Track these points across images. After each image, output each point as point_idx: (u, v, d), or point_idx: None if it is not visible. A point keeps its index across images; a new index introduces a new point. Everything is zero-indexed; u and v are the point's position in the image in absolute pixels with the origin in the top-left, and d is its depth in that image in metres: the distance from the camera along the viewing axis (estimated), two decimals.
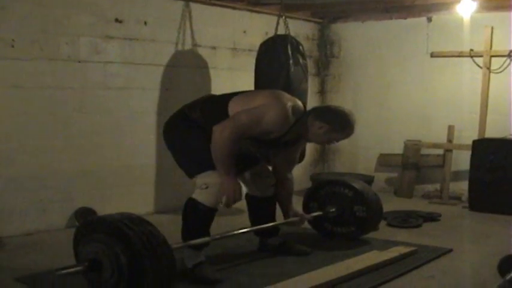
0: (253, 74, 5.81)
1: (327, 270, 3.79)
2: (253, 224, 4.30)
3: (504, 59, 6.44)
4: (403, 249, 4.31)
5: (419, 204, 6.48)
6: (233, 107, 3.78)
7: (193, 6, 6.04)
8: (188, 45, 6.08)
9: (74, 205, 5.18)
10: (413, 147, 7.03)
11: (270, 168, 4.33)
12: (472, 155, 6.23)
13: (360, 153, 7.58)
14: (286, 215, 4.39)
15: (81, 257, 3.21)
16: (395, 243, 4.56)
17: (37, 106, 4.95)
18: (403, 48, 7.19)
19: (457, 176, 6.78)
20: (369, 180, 6.67)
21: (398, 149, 7.15)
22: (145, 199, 5.78)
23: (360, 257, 4.13)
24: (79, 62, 5.19)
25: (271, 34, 6.08)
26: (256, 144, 3.96)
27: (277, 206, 4.38)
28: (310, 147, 6.84)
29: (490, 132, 6.44)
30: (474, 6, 6.41)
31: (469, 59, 6.63)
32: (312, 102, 6.72)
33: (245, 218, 4.48)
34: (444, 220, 5.65)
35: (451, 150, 6.74)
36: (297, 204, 4.50)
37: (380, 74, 7.39)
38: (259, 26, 6.71)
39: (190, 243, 3.63)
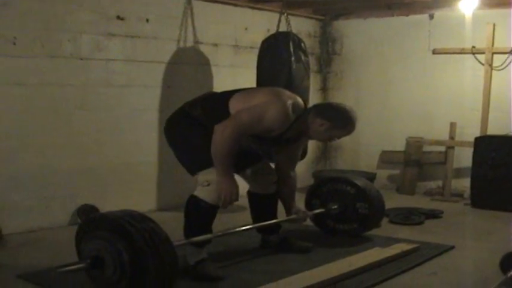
0: (255, 71, 5.81)
1: (329, 267, 3.79)
2: (255, 221, 4.30)
3: (506, 56, 6.44)
4: (405, 246, 4.31)
5: (421, 201, 6.48)
6: (234, 105, 3.78)
7: (195, 3, 6.04)
8: (190, 43, 6.08)
9: (76, 202, 5.19)
10: (415, 144, 7.03)
11: (273, 165, 4.32)
12: (474, 152, 6.23)
13: (362, 150, 7.57)
14: (288, 212, 4.38)
15: (83, 254, 3.22)
16: (398, 240, 4.56)
17: (39, 103, 4.95)
18: (405, 45, 7.19)
19: (459, 173, 6.77)
20: (371, 177, 6.67)
21: (400, 146, 7.15)
22: (147, 196, 5.78)
23: (362, 254, 4.14)
24: (81, 59, 5.19)
25: (273, 31, 6.07)
26: (258, 141, 3.96)
27: (279, 203, 4.38)
28: (312, 145, 6.83)
29: (492, 129, 6.44)
30: (476, 3, 6.40)
31: (471, 56, 6.63)
32: (314, 99, 6.72)
33: (247, 215, 4.48)
34: (446, 217, 5.65)
35: (453, 147, 6.74)
36: (299, 201, 4.50)
37: (382, 71, 7.38)
38: (261, 23, 6.71)
39: (193, 240, 3.63)
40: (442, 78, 6.95)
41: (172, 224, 3.99)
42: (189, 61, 6.09)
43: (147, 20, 5.66)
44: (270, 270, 3.82)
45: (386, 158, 7.35)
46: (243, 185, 4.33)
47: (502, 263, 3.65)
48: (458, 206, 6.31)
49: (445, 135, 6.78)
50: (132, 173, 5.63)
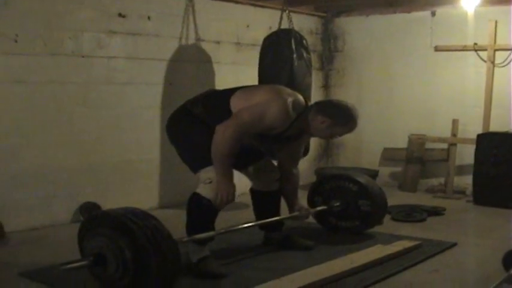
0: (256, 69, 5.81)
1: (331, 265, 3.79)
2: (257, 218, 4.30)
3: (508, 53, 6.43)
4: (407, 243, 4.31)
5: (423, 198, 6.48)
6: (235, 102, 3.78)
7: (197, 0, 6.03)
8: (192, 40, 6.07)
9: (78, 200, 5.19)
10: (417, 142, 7.02)
11: (275, 163, 4.32)
12: (477, 149, 6.22)
13: (364, 148, 7.57)
14: (291, 209, 4.38)
15: (85, 251, 3.23)
16: (400, 237, 4.57)
17: (41, 101, 4.95)
18: (407, 42, 7.18)
19: (461, 170, 6.77)
20: (373, 174, 6.67)
21: (402, 143, 7.15)
22: (149, 194, 5.78)
23: (364, 251, 4.14)
24: (82, 57, 5.19)
25: (274, 28, 6.07)
26: (260, 139, 3.96)
27: (282, 200, 4.38)
28: (314, 142, 6.82)
29: (494, 126, 6.43)
30: (478, 0, 6.39)
31: (473, 53, 6.62)
32: (316, 96, 6.71)
33: (250, 212, 4.48)
34: (448, 214, 5.65)
35: (455, 144, 6.73)
36: (302, 198, 4.50)
37: (384, 68, 7.37)
38: (263, 21, 6.70)
39: (195, 237, 3.63)
40: (444, 76, 6.95)
41: (175, 222, 3.99)
42: (191, 59, 6.08)
43: (149, 18, 5.66)
44: (273, 268, 3.82)
45: (389, 155, 7.35)
46: (246, 183, 4.35)
47: (504, 260, 3.65)
48: (461, 203, 6.31)
49: (447, 133, 6.77)
50: (134, 170, 5.63)
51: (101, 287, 3.27)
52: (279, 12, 6.12)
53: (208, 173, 3.71)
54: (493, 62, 6.50)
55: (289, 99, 3.75)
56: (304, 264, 3.81)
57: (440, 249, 4.31)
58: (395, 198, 6.15)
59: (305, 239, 4.41)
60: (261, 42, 5.89)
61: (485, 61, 6.54)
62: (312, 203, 4.81)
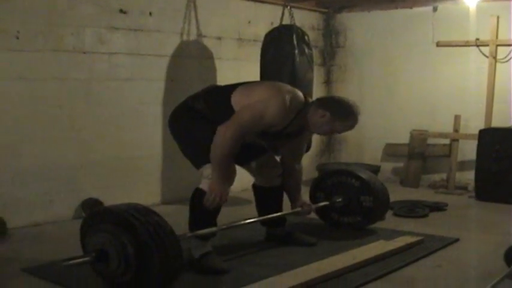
0: (258, 65, 5.80)
1: (333, 260, 3.79)
2: (260, 214, 4.30)
3: (510, 48, 6.43)
4: (409, 239, 4.31)
5: (425, 194, 6.48)
6: (236, 99, 3.77)
7: None
8: (193, 36, 6.07)
9: (80, 196, 5.20)
10: (419, 137, 7.02)
11: (278, 158, 4.32)
12: (479, 145, 6.22)
13: (366, 143, 7.57)
14: (293, 204, 4.38)
15: (88, 247, 3.23)
16: (402, 233, 4.57)
17: (42, 98, 4.95)
18: (408, 37, 7.17)
19: (463, 165, 6.77)
20: (375, 170, 6.67)
21: (404, 138, 7.14)
22: (151, 190, 5.79)
23: (366, 247, 4.13)
24: (84, 53, 5.18)
25: (276, 24, 6.07)
26: (261, 136, 3.96)
27: (285, 196, 4.38)
28: (316, 138, 6.82)
29: (497, 122, 6.43)
30: None
31: (475, 48, 6.61)
32: (318, 92, 6.71)
33: (252, 208, 4.48)
34: (450, 210, 5.65)
35: (457, 140, 6.73)
36: (304, 194, 4.49)
37: (386, 64, 7.37)
38: (264, 16, 6.70)
39: (197, 233, 3.62)
40: (446, 71, 6.94)
41: (177, 217, 3.99)
42: (193, 54, 6.08)
43: (150, 13, 5.66)
44: (275, 263, 3.82)
45: (391, 151, 7.35)
46: (248, 179, 4.35)
47: (506, 255, 3.64)
48: (463, 198, 6.31)
49: (449, 128, 6.77)
50: (136, 166, 5.63)
51: (103, 283, 3.27)
52: (280, 8, 6.11)
53: (211, 169, 3.70)
54: (495, 58, 6.49)
55: (288, 97, 3.73)
56: (307, 260, 3.81)
57: (442, 245, 4.31)
58: (398, 193, 6.14)
59: (307, 235, 4.41)
60: (262, 38, 5.88)
61: (487, 56, 6.53)
62: (314, 198, 4.82)
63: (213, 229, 3.70)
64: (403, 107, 7.25)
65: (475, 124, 6.54)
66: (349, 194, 4.69)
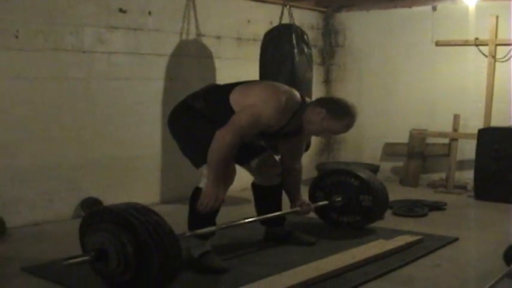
0: (258, 64, 5.81)
1: (332, 259, 3.79)
2: (259, 213, 4.30)
3: (509, 47, 6.42)
4: (408, 238, 4.31)
5: (424, 193, 6.48)
6: (234, 98, 3.77)
7: None
8: (192, 35, 6.07)
9: (80, 195, 5.20)
10: (418, 136, 7.02)
11: (277, 157, 4.32)
12: (478, 144, 6.22)
13: (365, 143, 7.57)
14: (293, 204, 4.38)
15: (87, 247, 3.22)
16: (401, 232, 4.57)
17: (42, 96, 4.95)
18: (408, 37, 7.17)
19: (462, 165, 6.77)
20: (375, 169, 6.67)
21: (403, 138, 7.15)
22: (150, 189, 5.79)
23: (365, 246, 4.13)
24: (83, 52, 5.18)
25: (275, 23, 6.08)
26: (259, 136, 3.96)
27: (284, 196, 4.38)
28: (315, 137, 6.81)
29: (496, 121, 6.43)
30: None
31: (474, 47, 6.60)
32: (317, 91, 6.71)
33: (251, 207, 4.48)
34: (450, 209, 5.65)
35: (456, 139, 6.73)
36: (303, 193, 4.49)
37: (385, 63, 7.37)
38: (264, 16, 6.70)
39: (197, 232, 3.63)
40: (445, 70, 6.94)
41: (176, 217, 3.99)
42: (192, 54, 6.08)
43: (150, 13, 5.66)
44: (274, 263, 3.82)
45: (390, 150, 7.35)
46: (247, 178, 4.34)
47: (505, 254, 3.65)
48: (462, 198, 6.31)
49: (448, 127, 6.77)
50: (136, 165, 5.63)
51: (102, 283, 3.27)
52: (279, 7, 6.11)
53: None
54: (494, 57, 6.49)
55: (285, 97, 3.72)
56: (306, 259, 3.81)
57: (441, 244, 4.31)
58: (397, 193, 6.15)
59: (307, 235, 4.41)
60: (261, 37, 5.88)
61: (486, 56, 6.53)
62: (313, 198, 4.81)
63: (212, 228, 3.70)
64: (403, 107, 7.25)
65: (474, 123, 6.55)
66: (349, 193, 4.69)
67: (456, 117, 6.70)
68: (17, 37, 4.75)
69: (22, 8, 4.77)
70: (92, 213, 3.42)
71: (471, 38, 6.59)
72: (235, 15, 6.51)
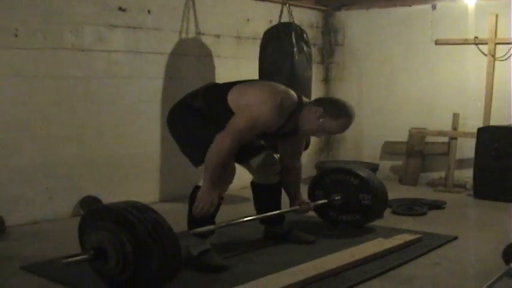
0: (257, 63, 5.81)
1: (332, 258, 3.79)
2: (258, 212, 4.30)
3: (509, 46, 6.42)
4: (408, 237, 4.31)
5: (424, 192, 6.48)
6: (231, 97, 3.77)
7: None
8: (192, 34, 6.07)
9: (79, 194, 5.19)
10: (418, 135, 7.02)
11: (277, 156, 4.32)
12: (477, 143, 6.22)
13: (364, 141, 7.57)
14: (292, 202, 4.38)
15: (86, 245, 3.22)
16: (400, 231, 4.56)
17: (41, 95, 4.94)
18: (407, 35, 7.17)
19: (461, 163, 6.77)
20: (374, 168, 6.67)
21: (403, 136, 7.15)
22: (150, 187, 5.78)
23: (365, 245, 4.14)
24: (83, 50, 5.18)
25: (275, 22, 6.07)
26: (258, 136, 3.96)
27: (284, 194, 4.38)
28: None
29: (495, 120, 6.43)
30: None
31: (473, 46, 6.60)
32: (317, 90, 6.71)
33: (250, 206, 4.48)
34: (449, 208, 5.65)
35: (455, 138, 6.73)
36: (302, 192, 4.49)
37: (384, 62, 7.37)
38: (263, 14, 6.69)
39: (196, 231, 3.63)
40: (444, 69, 6.94)
41: (175, 215, 3.99)
42: (191, 52, 6.08)
43: (149, 11, 5.65)
44: (273, 261, 3.82)
45: (389, 149, 7.35)
46: (247, 177, 4.34)
47: (504, 253, 3.65)
48: (461, 196, 6.31)
49: (447, 126, 6.77)
50: (135, 164, 5.63)
51: (102, 281, 3.27)
52: (279, 6, 6.11)
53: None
54: (493, 56, 6.49)
55: (281, 98, 3.70)
56: (305, 258, 3.82)
57: (440, 243, 4.31)
58: (396, 192, 6.15)
59: (306, 233, 4.41)
60: (261, 36, 5.88)
61: (485, 55, 6.53)
62: (312, 196, 4.81)
63: (212, 227, 3.70)
64: (402, 105, 7.25)
65: (473, 122, 6.54)
66: (348, 192, 4.69)
67: (455, 116, 6.70)
68: (16, 36, 4.74)
69: (21, 7, 4.77)
70: (91, 211, 3.42)
71: (471, 36, 6.59)
72: (234, 13, 6.50)
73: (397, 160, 7.32)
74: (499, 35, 6.46)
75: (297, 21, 6.00)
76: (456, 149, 6.72)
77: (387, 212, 5.17)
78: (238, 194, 5.55)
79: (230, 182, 3.80)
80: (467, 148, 6.58)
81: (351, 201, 4.68)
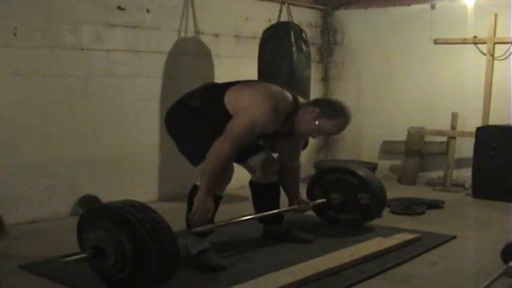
0: (256, 62, 5.80)
1: (330, 257, 3.80)
2: (257, 211, 4.30)
3: (508, 46, 6.42)
4: (406, 236, 4.32)
5: (422, 191, 6.49)
6: (228, 98, 3.77)
7: None
8: (191, 33, 6.06)
9: (78, 193, 5.19)
10: (416, 135, 7.02)
11: (275, 155, 4.31)
12: (476, 142, 6.22)
13: (363, 141, 7.57)
14: (291, 202, 4.38)
15: (85, 244, 3.22)
16: (399, 230, 4.57)
17: (40, 94, 4.94)
18: (406, 35, 7.17)
19: (460, 163, 6.77)
20: (373, 167, 6.67)
21: (401, 136, 7.15)
22: (148, 187, 5.78)
23: (363, 244, 4.14)
24: (81, 49, 5.18)
25: (274, 21, 6.07)
26: (258, 137, 3.97)
27: (282, 193, 4.38)
28: None
29: (494, 119, 6.43)
30: None
31: (472, 46, 6.60)
32: (315, 89, 6.71)
33: (249, 205, 4.48)
34: (448, 207, 5.66)
35: (454, 138, 6.74)
36: (301, 191, 4.49)
37: (383, 61, 7.37)
38: (262, 13, 6.69)
39: (195, 230, 3.62)
40: (443, 69, 6.94)
41: (174, 214, 3.99)
42: (190, 51, 6.07)
43: (148, 10, 5.65)
44: (272, 260, 3.82)
45: (388, 148, 7.35)
46: (245, 176, 4.34)
47: (503, 253, 3.65)
48: (460, 196, 6.32)
49: (446, 126, 6.77)
50: (134, 163, 5.63)
51: (100, 280, 3.27)
52: (278, 5, 6.11)
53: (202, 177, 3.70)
54: (492, 55, 6.49)
55: (276, 100, 3.70)
56: (304, 257, 3.82)
57: (439, 242, 4.32)
58: (395, 191, 6.15)
59: (305, 232, 4.42)
60: (260, 35, 5.88)
61: (484, 54, 6.53)
62: (311, 195, 4.81)
63: (211, 226, 3.70)
64: (401, 105, 7.25)
65: (472, 122, 6.55)
66: (347, 191, 4.69)
67: (454, 115, 6.70)
68: (15, 35, 4.74)
69: (20, 6, 4.76)
70: (90, 210, 3.42)
71: (470, 36, 6.60)
72: (233, 12, 6.50)
73: (395, 159, 7.32)
74: (498, 35, 6.47)
75: (295, 21, 6.00)
76: (455, 149, 6.72)
77: (386, 211, 5.17)
78: (237, 193, 5.55)
79: (228, 181, 3.81)
80: (466, 147, 6.58)
81: (349, 200, 4.69)
